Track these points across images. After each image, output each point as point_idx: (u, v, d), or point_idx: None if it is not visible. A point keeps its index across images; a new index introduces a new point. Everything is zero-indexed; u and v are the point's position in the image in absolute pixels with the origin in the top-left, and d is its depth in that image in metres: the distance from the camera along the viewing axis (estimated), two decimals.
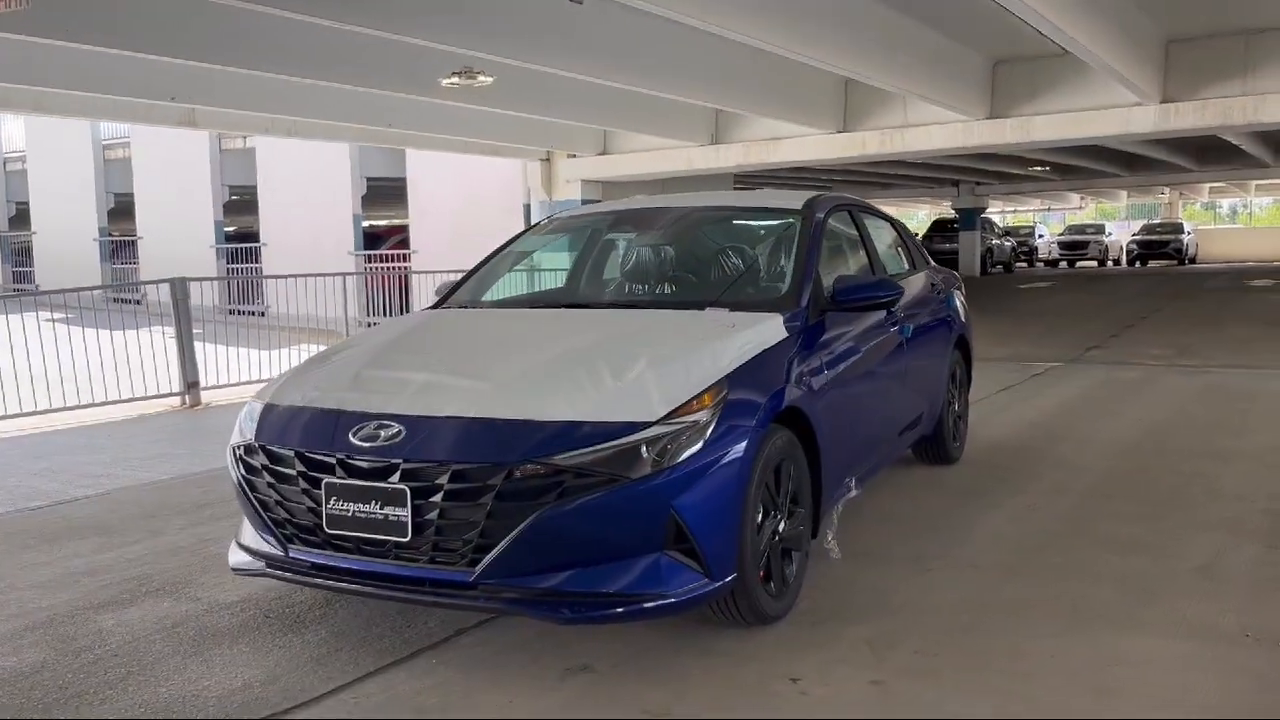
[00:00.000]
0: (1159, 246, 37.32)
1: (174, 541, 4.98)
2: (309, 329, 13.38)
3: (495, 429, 3.21)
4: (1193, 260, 38.04)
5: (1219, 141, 22.87)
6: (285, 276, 11.49)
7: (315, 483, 3.34)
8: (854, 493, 4.42)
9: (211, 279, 15.97)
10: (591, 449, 3.11)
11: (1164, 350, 12.05)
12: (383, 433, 3.29)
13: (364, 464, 3.28)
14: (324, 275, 12.45)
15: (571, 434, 3.13)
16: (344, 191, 17.51)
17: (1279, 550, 4.38)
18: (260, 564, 3.61)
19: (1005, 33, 10.25)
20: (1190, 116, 10.38)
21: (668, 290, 4.58)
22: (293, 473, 3.40)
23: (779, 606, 3.64)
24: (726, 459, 3.27)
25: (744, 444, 3.34)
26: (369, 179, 17.56)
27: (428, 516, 3.17)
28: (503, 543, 3.10)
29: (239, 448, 3.65)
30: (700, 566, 3.21)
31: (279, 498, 3.46)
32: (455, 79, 8.68)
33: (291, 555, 3.46)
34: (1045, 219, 53.35)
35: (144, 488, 6.20)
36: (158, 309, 12.05)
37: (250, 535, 3.70)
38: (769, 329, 3.85)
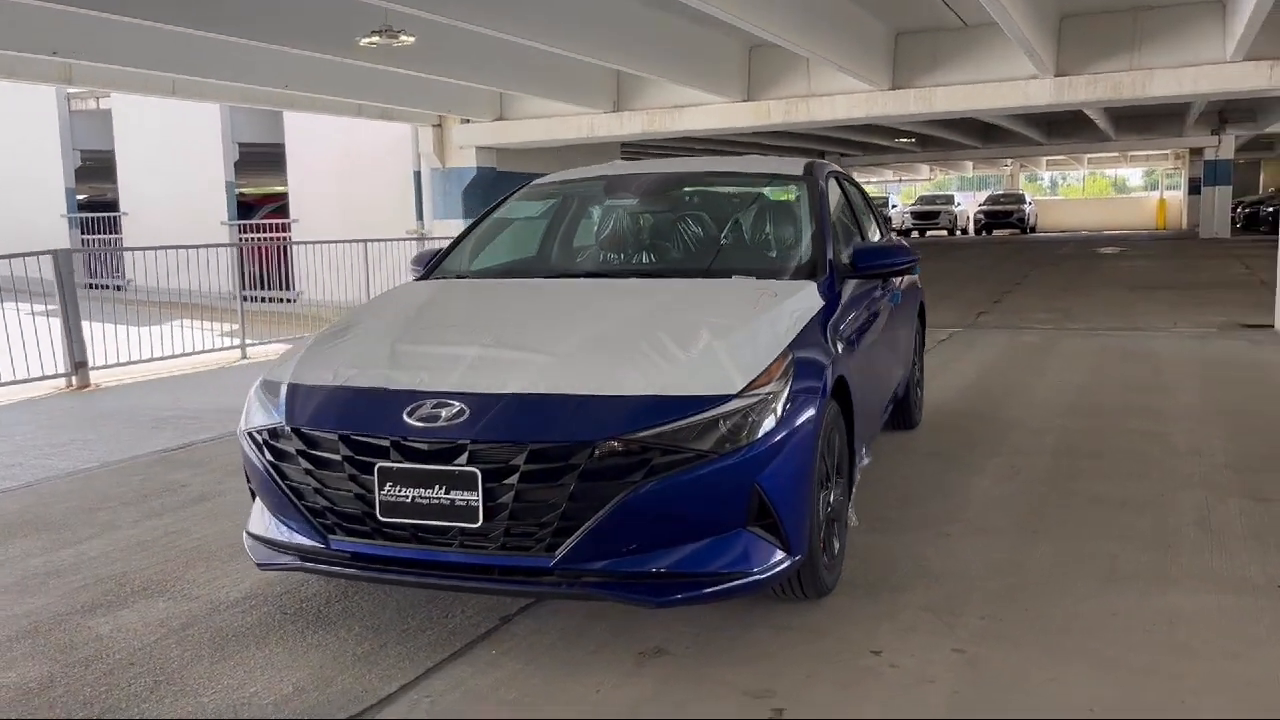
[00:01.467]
0: (1004, 216, 39.20)
1: (135, 536, 4.57)
2: (184, 304, 12.64)
3: (573, 405, 3.03)
4: (1033, 229, 40.09)
5: (1067, 115, 24.08)
6: (174, 248, 10.77)
7: (365, 468, 3.09)
8: (866, 460, 4.41)
9: (106, 250, 14.85)
10: (678, 423, 2.96)
11: (1049, 315, 12.59)
12: (443, 412, 3.06)
13: (424, 446, 3.04)
14: (209, 247, 11.77)
15: (656, 409, 2.98)
16: (214, 157, 16.53)
17: (1261, 502, 4.59)
18: (292, 558, 3.33)
19: (908, 2, 10.44)
20: (1083, 90, 10.80)
21: (683, 258, 4.44)
22: (336, 458, 3.14)
23: (831, 578, 3.59)
24: (800, 430, 3.19)
25: (813, 414, 3.26)
26: (241, 144, 16.63)
27: (501, 500, 2.97)
28: (587, 525, 2.93)
29: (260, 432, 3.35)
30: (780, 542, 3.12)
31: (317, 485, 3.18)
32: (375, 38, 8.23)
33: (333, 547, 3.20)
34: (886, 190, 55.17)
35: (69, 478, 5.68)
36: (9, 284, 11.10)
37: (272, 526, 3.41)
38: (809, 297, 3.77)
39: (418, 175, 14.72)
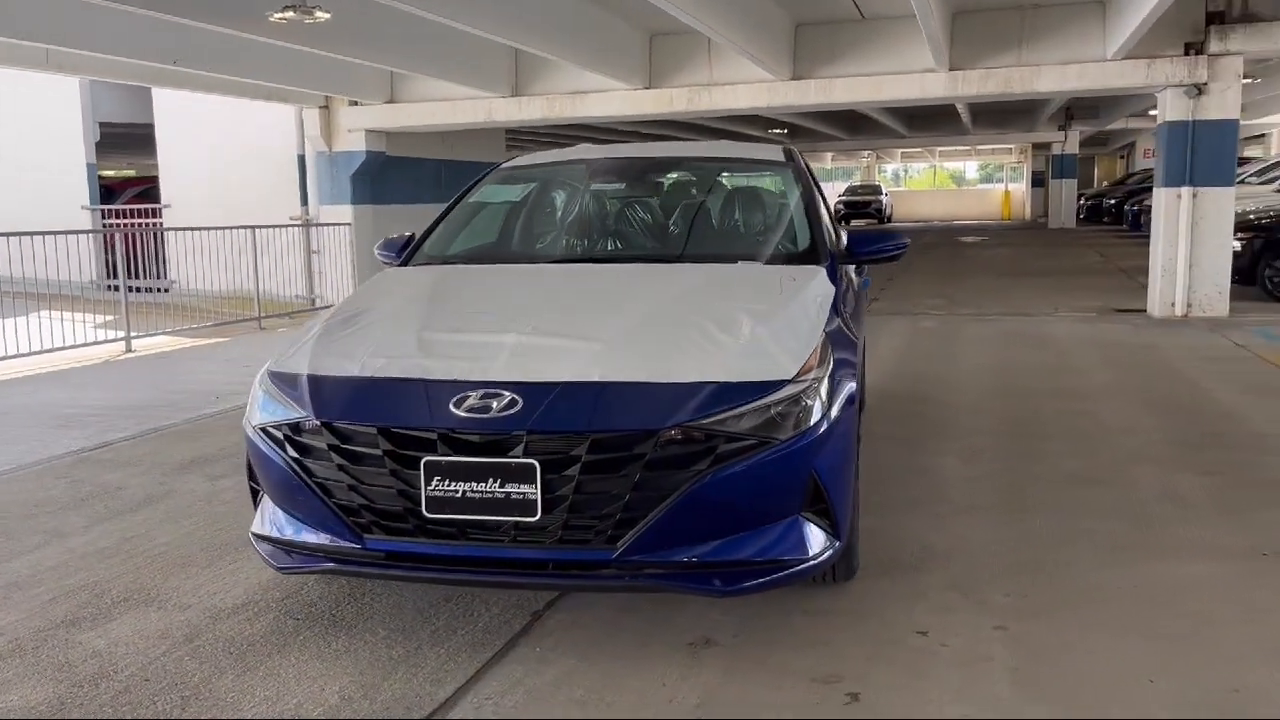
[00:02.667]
0: (863, 206, 40.46)
1: (90, 543, 4.24)
2: (45, 295, 11.80)
3: (632, 392, 2.94)
4: (889, 219, 41.54)
5: (929, 109, 24.97)
6: (39, 234, 10.02)
7: (409, 462, 2.93)
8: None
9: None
10: (741, 409, 2.92)
11: (937, 301, 13.05)
12: (494, 403, 2.93)
13: (475, 439, 2.91)
14: (76, 233, 11.03)
15: (717, 395, 2.93)
16: (73, 138, 15.46)
17: (1210, 476, 4.86)
18: (320, 560, 3.14)
19: None
20: (975, 84, 11.19)
21: (685, 242, 4.37)
22: (375, 452, 2.96)
23: (856, 561, 3.62)
24: (844, 414, 3.19)
25: (852, 397, 3.28)
26: (104, 124, 15.61)
27: (560, 492, 2.86)
28: (651, 515, 2.86)
29: (278, 427, 3.14)
30: (831, 527, 3.12)
31: (352, 481, 3.00)
32: (289, 13, 7.82)
33: (369, 546, 3.03)
34: None
35: None
36: None
37: (291, 527, 3.20)
38: (822, 282, 3.78)
39: (302, 159, 14.13)
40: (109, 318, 11.91)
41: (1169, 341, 9.27)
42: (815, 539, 3.08)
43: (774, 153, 4.75)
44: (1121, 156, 41.65)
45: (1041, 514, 4.35)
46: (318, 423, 3.05)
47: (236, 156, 14.79)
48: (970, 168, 64.01)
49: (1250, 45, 10.45)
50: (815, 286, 3.69)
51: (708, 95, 11.94)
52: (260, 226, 12.45)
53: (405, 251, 4.46)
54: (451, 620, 3.36)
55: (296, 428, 3.11)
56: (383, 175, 13.86)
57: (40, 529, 4.43)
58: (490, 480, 2.89)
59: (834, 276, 3.94)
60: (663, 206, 4.58)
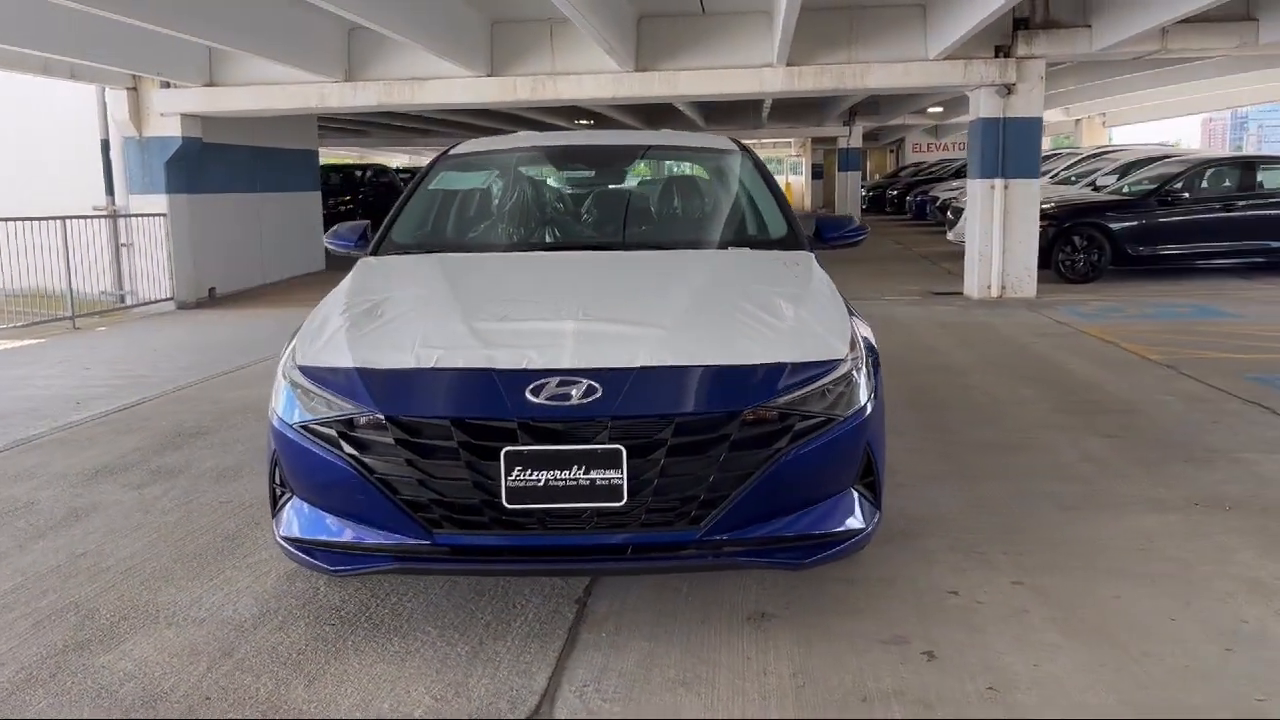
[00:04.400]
0: None
1: (37, 563, 3.86)
2: None
3: (709, 376, 2.98)
4: None
5: (730, 103, 25.86)
6: None
7: (487, 453, 2.86)
8: None
9: None
10: (810, 388, 3.02)
11: None
12: (573, 390, 2.91)
13: (558, 427, 2.88)
14: None
15: (789, 375, 3.02)
16: None
17: (1113, 439, 5.36)
18: (379, 560, 3.01)
19: None
20: (811, 79, 11.72)
21: (672, 229, 4.40)
22: (449, 444, 2.88)
23: None
24: (878, 391, 3.36)
25: (878, 374, 3.45)
26: None
27: (645, 476, 2.88)
28: (734, 494, 2.93)
29: (329, 424, 2.98)
30: (875, 498, 3.28)
31: (422, 475, 2.90)
32: None
33: (439, 541, 2.94)
34: None
35: None
36: None
37: (339, 527, 3.05)
38: (818, 266, 3.94)
39: (105, 144, 13.04)
40: None
41: (1000, 320, 10.05)
42: (865, 511, 3.22)
43: (725, 142, 4.87)
44: (892, 151, 44.40)
45: (989, 480, 4.69)
46: (380, 417, 2.92)
47: (24, 140, 13.51)
48: None
49: (1052, 50, 11.44)
50: (816, 270, 3.85)
51: (552, 85, 11.90)
52: (67, 217, 11.46)
53: (370, 240, 4.30)
54: (499, 614, 3.30)
55: (350, 423, 2.97)
56: (201, 162, 13.01)
57: None
58: (575, 467, 2.87)
59: (818, 260, 4.11)
60: (638, 194, 4.61)
